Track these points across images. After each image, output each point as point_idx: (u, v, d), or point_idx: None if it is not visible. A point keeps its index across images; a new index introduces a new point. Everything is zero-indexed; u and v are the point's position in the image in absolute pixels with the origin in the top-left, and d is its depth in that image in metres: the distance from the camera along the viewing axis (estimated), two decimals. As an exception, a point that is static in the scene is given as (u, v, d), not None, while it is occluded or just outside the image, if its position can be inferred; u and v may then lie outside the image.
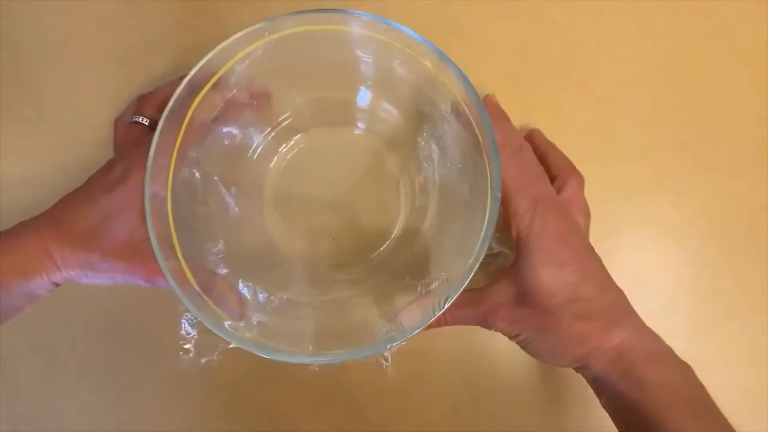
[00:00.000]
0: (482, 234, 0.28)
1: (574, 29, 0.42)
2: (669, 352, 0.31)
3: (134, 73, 0.41)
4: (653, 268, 0.41)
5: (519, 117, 0.41)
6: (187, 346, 0.33)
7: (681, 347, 0.39)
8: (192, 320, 0.33)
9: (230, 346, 0.30)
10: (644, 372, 0.29)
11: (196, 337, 0.33)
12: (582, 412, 0.39)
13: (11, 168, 0.40)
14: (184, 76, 0.37)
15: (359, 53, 0.33)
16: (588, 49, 0.42)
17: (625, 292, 0.39)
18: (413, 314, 0.29)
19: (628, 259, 0.41)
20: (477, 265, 0.28)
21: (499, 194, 0.28)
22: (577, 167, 0.40)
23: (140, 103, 0.37)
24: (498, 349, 0.39)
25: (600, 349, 0.30)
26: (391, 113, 0.37)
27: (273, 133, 0.37)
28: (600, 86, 0.42)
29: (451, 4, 0.42)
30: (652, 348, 0.30)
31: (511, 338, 0.33)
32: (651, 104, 0.42)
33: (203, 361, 0.33)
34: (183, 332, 0.33)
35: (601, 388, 0.31)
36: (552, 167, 0.38)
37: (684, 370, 0.30)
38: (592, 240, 0.37)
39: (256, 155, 0.37)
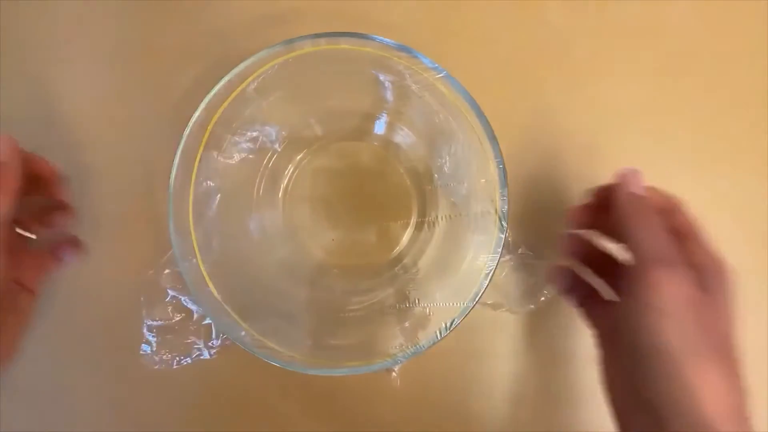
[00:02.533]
0: (488, 264, 0.29)
1: (575, 29, 0.41)
2: None
3: (135, 73, 0.41)
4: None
5: (520, 117, 0.41)
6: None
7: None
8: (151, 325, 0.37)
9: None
10: None
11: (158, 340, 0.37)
12: (584, 412, 0.40)
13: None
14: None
15: (373, 72, 0.33)
16: (588, 49, 0.41)
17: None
18: (421, 333, 0.31)
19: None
20: (482, 293, 0.30)
21: (506, 225, 0.29)
22: (580, 165, 0.40)
23: None
24: (499, 350, 0.40)
25: None
26: (404, 129, 0.38)
27: (287, 144, 0.38)
28: (600, 86, 0.41)
29: (453, 4, 0.41)
30: None
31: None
32: (651, 104, 0.42)
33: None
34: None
35: None
36: (692, 256, 0.31)
37: None
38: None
39: (270, 165, 0.38)
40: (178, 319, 0.38)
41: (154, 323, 0.37)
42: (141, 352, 0.37)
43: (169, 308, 0.38)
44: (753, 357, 0.41)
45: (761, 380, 0.41)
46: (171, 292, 0.37)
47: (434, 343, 0.30)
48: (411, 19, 0.41)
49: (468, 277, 0.31)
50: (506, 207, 0.30)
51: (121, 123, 0.40)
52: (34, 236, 0.37)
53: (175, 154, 0.32)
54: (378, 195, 0.40)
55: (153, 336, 0.37)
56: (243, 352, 0.32)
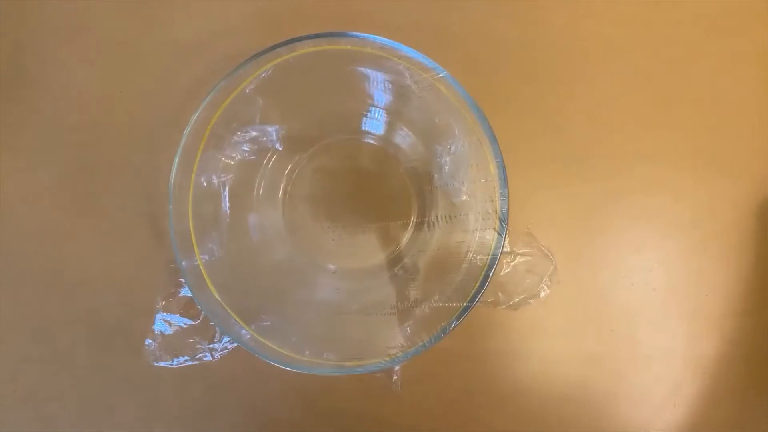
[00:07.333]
0: (488, 264, 0.29)
1: (575, 30, 0.42)
2: None
3: (135, 73, 0.41)
4: (653, 267, 0.41)
5: (521, 117, 0.41)
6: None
7: (681, 346, 0.41)
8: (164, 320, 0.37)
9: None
10: None
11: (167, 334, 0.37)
12: (585, 411, 0.41)
13: (11, 168, 0.40)
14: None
15: (373, 72, 0.33)
16: (588, 50, 0.42)
17: (625, 291, 0.40)
18: (421, 333, 0.31)
19: (628, 258, 0.41)
20: (483, 291, 0.30)
21: (506, 226, 0.29)
22: (579, 165, 0.41)
23: None
24: (499, 350, 0.41)
25: None
26: (404, 129, 0.38)
27: (286, 144, 0.38)
28: (601, 86, 0.41)
29: (453, 4, 0.41)
30: None
31: None
32: (652, 104, 0.42)
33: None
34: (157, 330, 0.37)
35: None
36: None
37: None
38: (590, 239, 0.40)
39: (270, 165, 0.38)
40: (188, 319, 0.38)
41: (166, 316, 0.37)
42: (144, 346, 0.37)
43: (183, 304, 0.38)
44: (753, 356, 0.41)
45: (762, 380, 0.41)
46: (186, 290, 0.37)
47: (434, 343, 0.30)
48: (411, 19, 0.41)
49: (468, 277, 0.31)
50: (506, 207, 0.30)
51: (122, 123, 0.40)
52: None
53: (175, 154, 0.32)
54: (378, 195, 0.40)
55: (161, 330, 0.37)
56: (243, 352, 0.32)
